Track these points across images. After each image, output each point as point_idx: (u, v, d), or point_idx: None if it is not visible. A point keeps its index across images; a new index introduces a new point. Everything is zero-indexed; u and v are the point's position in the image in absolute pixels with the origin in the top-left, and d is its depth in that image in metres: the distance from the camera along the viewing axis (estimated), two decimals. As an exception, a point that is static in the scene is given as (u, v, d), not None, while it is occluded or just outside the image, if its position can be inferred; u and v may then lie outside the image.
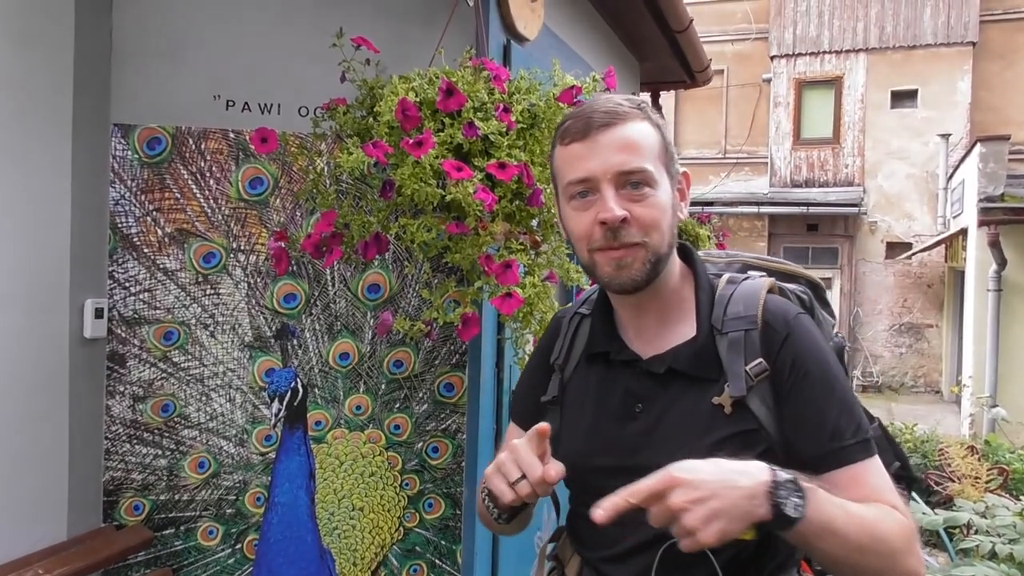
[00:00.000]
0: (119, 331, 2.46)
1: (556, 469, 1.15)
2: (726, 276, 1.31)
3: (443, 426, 2.54)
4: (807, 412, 1.19)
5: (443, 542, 2.55)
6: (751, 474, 1.03)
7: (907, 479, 1.41)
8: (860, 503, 1.12)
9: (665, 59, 4.95)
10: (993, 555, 2.66)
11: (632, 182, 1.19)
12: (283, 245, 2.18)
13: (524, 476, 1.14)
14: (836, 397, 1.20)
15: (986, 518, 2.91)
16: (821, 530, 1.04)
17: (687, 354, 1.24)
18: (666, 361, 1.25)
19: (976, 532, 2.94)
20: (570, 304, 1.58)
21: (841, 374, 1.24)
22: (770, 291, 1.28)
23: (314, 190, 2.24)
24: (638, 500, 1.02)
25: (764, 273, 1.37)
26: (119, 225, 2.45)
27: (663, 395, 1.25)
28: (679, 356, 1.25)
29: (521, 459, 1.15)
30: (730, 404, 1.19)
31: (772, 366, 1.20)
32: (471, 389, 2.51)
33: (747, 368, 1.20)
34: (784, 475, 1.04)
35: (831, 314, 1.45)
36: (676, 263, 1.30)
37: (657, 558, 1.18)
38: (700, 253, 1.43)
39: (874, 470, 1.19)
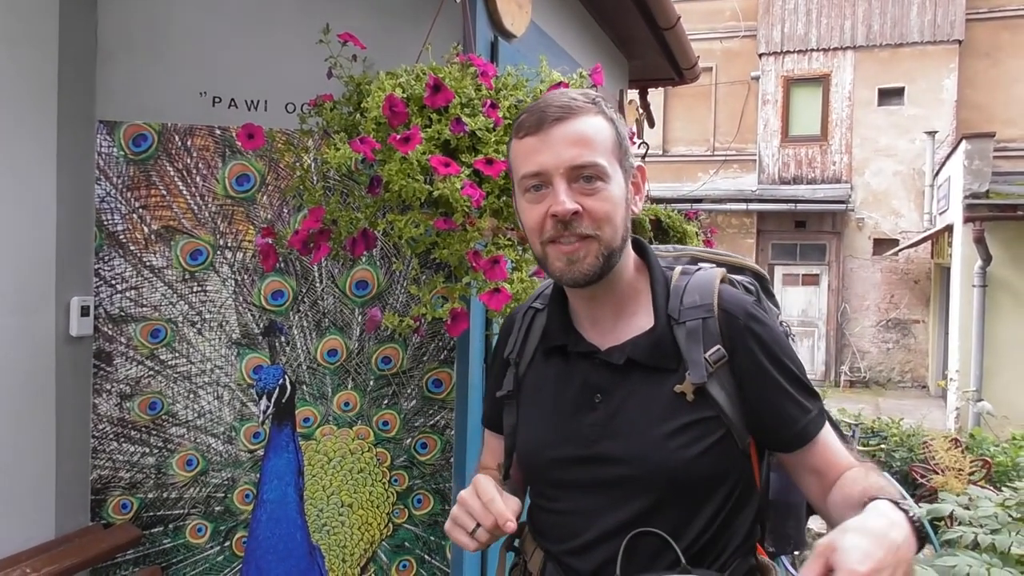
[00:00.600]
0: (105, 329, 2.45)
1: (513, 508, 1.17)
2: (679, 268, 1.34)
3: (431, 422, 2.55)
4: (773, 398, 1.24)
5: (432, 538, 2.55)
6: (899, 524, 0.99)
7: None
8: (867, 473, 1.19)
9: (653, 56, 4.96)
10: (976, 545, 2.69)
11: (584, 176, 1.20)
12: (270, 241, 2.18)
13: (479, 524, 1.17)
14: (795, 377, 1.26)
15: (969, 509, 2.94)
16: None
17: (645, 344, 1.26)
18: (625, 352, 1.27)
19: (959, 523, 2.97)
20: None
21: (794, 353, 1.29)
22: (723, 281, 1.32)
23: (301, 186, 2.23)
24: None
25: (713, 265, 1.40)
26: (105, 222, 2.44)
27: (622, 385, 1.27)
28: (638, 346, 1.26)
29: (473, 509, 1.18)
30: (692, 391, 1.22)
31: (730, 353, 1.24)
32: (459, 385, 2.51)
33: (706, 355, 1.23)
34: (912, 509, 1.03)
35: (775, 304, 1.51)
36: (630, 256, 1.32)
37: (621, 549, 1.21)
38: (649, 247, 1.45)
39: (830, 433, 1.28)
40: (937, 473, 4.91)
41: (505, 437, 1.42)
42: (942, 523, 3.75)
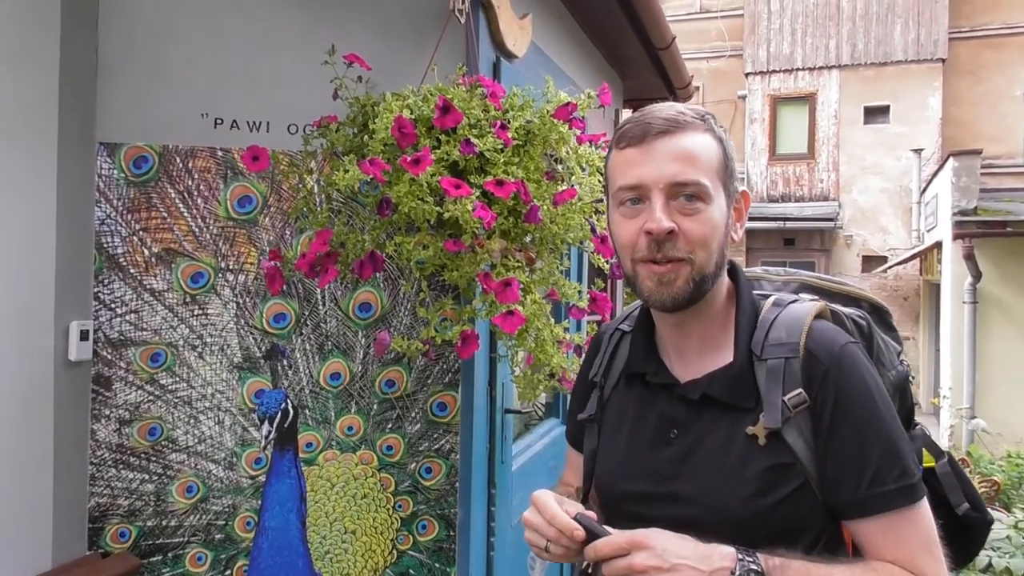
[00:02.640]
0: (105, 353, 2.41)
1: (574, 516, 1.12)
2: (772, 298, 1.26)
3: (436, 446, 2.51)
4: (846, 453, 1.12)
5: (437, 565, 2.51)
6: (712, 560, 1.04)
7: (978, 522, 1.34)
8: (853, 567, 1.09)
9: (647, 76, 4.98)
10: (988, 568, 2.66)
11: (685, 194, 1.14)
12: (277, 264, 2.15)
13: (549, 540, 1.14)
14: (879, 437, 1.12)
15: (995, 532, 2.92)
16: None
17: (723, 380, 1.19)
18: (701, 387, 1.20)
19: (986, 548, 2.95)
20: (613, 319, 1.54)
21: (888, 411, 1.15)
22: (819, 316, 1.22)
23: (305, 208, 2.21)
24: (605, 553, 1.05)
25: (819, 296, 1.31)
26: (105, 245, 2.40)
27: (697, 422, 1.20)
28: (715, 382, 1.20)
29: (538, 527, 1.14)
30: (764, 435, 1.14)
31: (812, 398, 1.14)
32: (464, 408, 2.48)
33: (785, 398, 1.14)
34: (750, 565, 1.04)
35: (896, 339, 1.37)
36: (724, 284, 1.24)
37: None
38: (758, 270, 1.40)
39: (914, 518, 1.11)
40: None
41: (585, 460, 1.37)
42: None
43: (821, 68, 14.05)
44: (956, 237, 9.18)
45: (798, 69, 14.18)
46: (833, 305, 1.28)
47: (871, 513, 1.11)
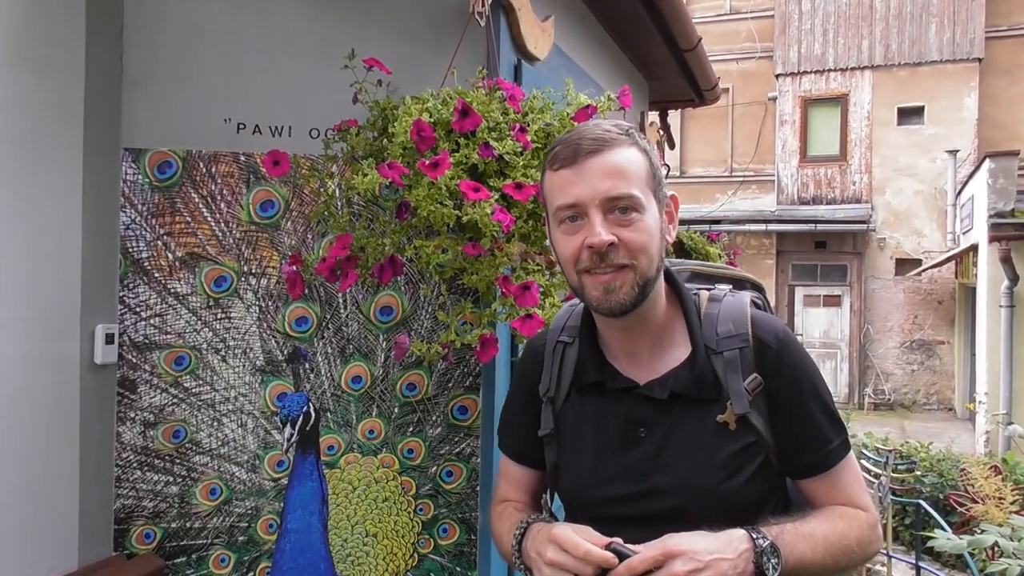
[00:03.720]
0: (130, 357, 2.43)
1: (596, 540, 1.16)
2: (705, 294, 1.35)
3: (457, 450, 2.50)
4: (805, 424, 1.27)
5: (458, 568, 2.50)
6: (735, 545, 1.12)
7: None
8: (823, 515, 1.24)
9: (673, 78, 4.94)
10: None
11: (620, 207, 1.21)
12: (297, 269, 2.16)
13: None
14: (823, 404, 1.28)
15: (1013, 541, 2.85)
16: (794, 570, 1.16)
17: (687, 377, 1.27)
18: (667, 385, 1.28)
19: (1003, 555, 2.88)
20: (540, 332, 1.59)
21: (822, 379, 1.31)
22: (751, 305, 1.34)
23: (326, 212, 2.22)
24: (641, 569, 1.10)
25: (710, 282, 1.43)
26: (130, 250, 2.43)
27: (665, 418, 1.27)
28: (679, 379, 1.27)
29: (568, 566, 1.15)
30: (735, 421, 1.25)
31: (766, 380, 1.26)
32: (485, 412, 2.47)
33: (745, 385, 1.25)
34: (760, 539, 1.14)
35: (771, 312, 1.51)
36: (663, 286, 1.31)
37: None
38: None
39: (850, 465, 1.30)
40: (976, 502, 4.78)
41: (548, 474, 1.42)
42: (980, 552, 3.66)
43: (853, 69, 13.90)
44: (992, 239, 9.02)
45: (830, 70, 14.04)
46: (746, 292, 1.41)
47: (826, 469, 1.27)
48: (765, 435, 1.25)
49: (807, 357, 1.31)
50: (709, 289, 1.38)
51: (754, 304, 1.38)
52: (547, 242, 2.08)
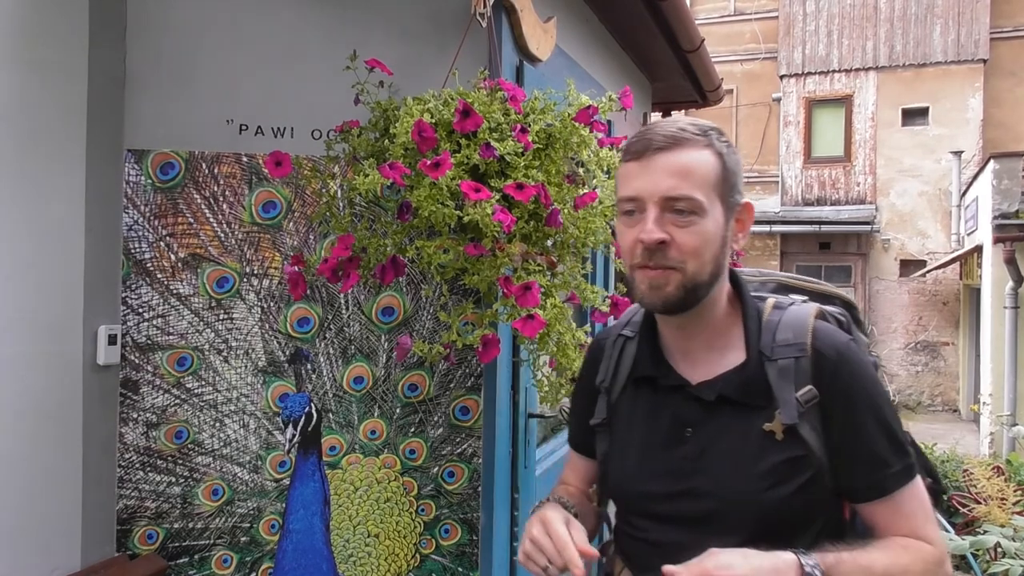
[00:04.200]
0: (132, 357, 2.44)
1: (580, 540, 1.21)
2: (771, 301, 1.33)
3: (459, 450, 2.51)
4: (859, 443, 1.22)
5: (460, 569, 2.50)
6: (781, 571, 1.10)
7: (936, 492, 1.42)
8: (886, 547, 1.19)
9: (676, 79, 4.94)
10: (1024, 578, 2.60)
11: (677, 208, 1.21)
12: (299, 269, 2.16)
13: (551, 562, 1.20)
14: (884, 425, 1.23)
15: (1015, 541, 2.84)
16: None
17: (737, 381, 1.26)
18: (716, 388, 1.27)
19: (1005, 555, 2.88)
20: (606, 326, 1.60)
21: (887, 399, 1.26)
22: (817, 316, 1.30)
23: (328, 213, 2.22)
24: None
25: (804, 295, 1.40)
26: (132, 251, 2.44)
27: (712, 421, 1.27)
28: (729, 383, 1.26)
29: (545, 548, 1.21)
30: (781, 431, 1.22)
31: (822, 393, 1.22)
32: (487, 412, 2.47)
33: (797, 395, 1.22)
34: (811, 569, 1.10)
35: (864, 333, 1.46)
36: (724, 290, 1.31)
37: None
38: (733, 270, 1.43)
39: (915, 494, 1.23)
40: (979, 502, 4.77)
41: (599, 464, 1.43)
42: (983, 553, 3.65)
43: (858, 70, 13.85)
44: (997, 241, 8.98)
45: (834, 71, 14.00)
46: (822, 306, 1.36)
47: (885, 494, 1.22)
48: (816, 450, 1.21)
49: (870, 375, 1.26)
50: (779, 297, 1.37)
51: (837, 320, 1.36)
52: (549, 243, 2.09)
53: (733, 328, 1.30)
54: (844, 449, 1.22)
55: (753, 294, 1.36)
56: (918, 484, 1.25)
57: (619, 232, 1.29)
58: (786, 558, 1.11)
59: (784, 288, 1.44)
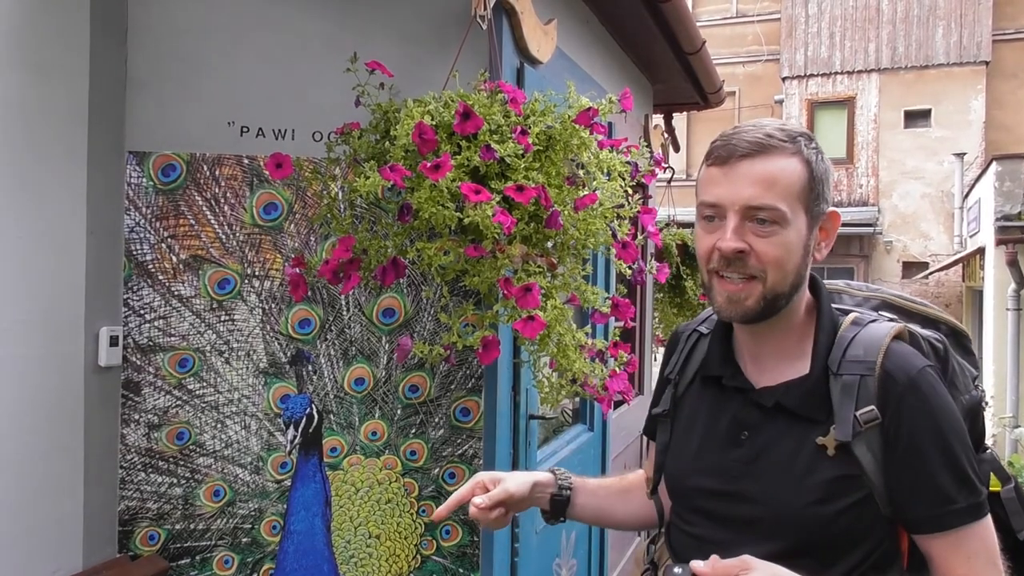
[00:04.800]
0: (134, 359, 2.44)
1: (495, 496, 1.39)
2: (852, 316, 1.29)
3: (460, 451, 2.51)
4: (916, 474, 1.18)
5: (461, 570, 2.50)
6: None
7: None
8: None
9: (678, 81, 4.94)
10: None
11: (759, 218, 1.19)
12: (300, 271, 2.16)
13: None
14: (949, 460, 1.18)
15: None
16: None
17: (797, 392, 1.24)
18: (775, 395, 1.26)
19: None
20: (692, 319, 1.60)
21: (959, 434, 1.20)
22: (898, 337, 1.25)
23: (329, 215, 2.23)
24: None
25: (898, 315, 1.34)
26: (134, 252, 2.45)
27: (768, 427, 1.26)
28: (789, 392, 1.25)
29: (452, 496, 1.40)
30: (834, 447, 1.19)
31: (884, 416, 1.18)
32: (487, 414, 2.47)
33: (857, 413, 1.18)
34: None
35: (973, 364, 1.38)
36: (803, 299, 1.29)
37: None
38: (840, 283, 1.43)
39: (981, 533, 1.18)
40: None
41: (656, 454, 1.43)
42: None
43: (860, 72, 13.87)
44: (999, 243, 8.98)
45: (836, 73, 14.01)
46: (911, 326, 1.31)
47: (943, 529, 1.17)
48: (871, 472, 1.18)
49: (943, 405, 1.20)
50: (863, 312, 1.33)
51: (931, 346, 1.30)
52: (549, 244, 2.10)
53: (806, 338, 1.28)
54: (903, 477, 1.18)
55: (843, 307, 1.34)
56: (985, 525, 1.19)
57: (697, 236, 1.28)
58: None
59: (887, 307, 1.38)
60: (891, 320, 1.30)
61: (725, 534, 1.27)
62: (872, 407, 1.18)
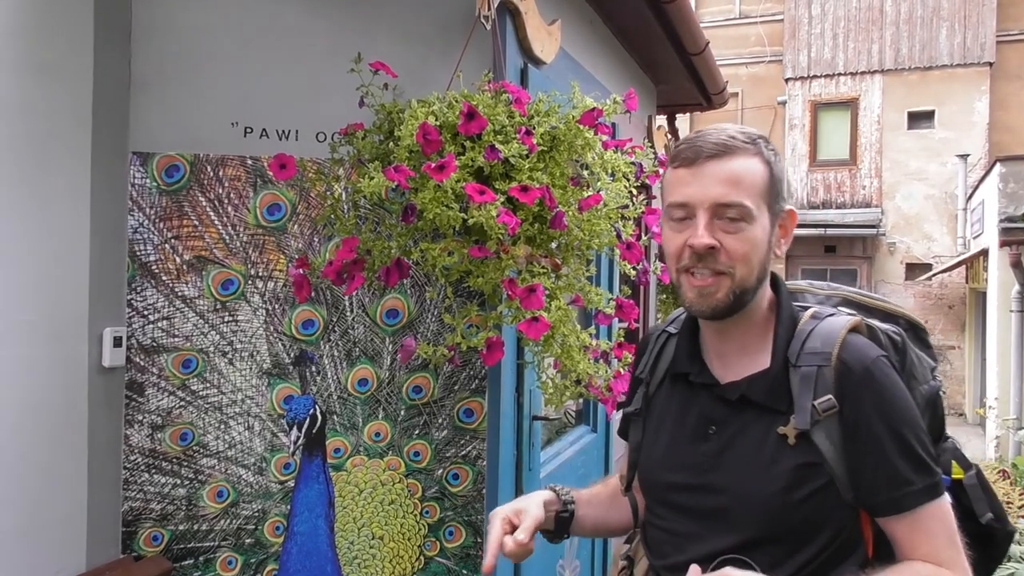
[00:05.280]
0: (138, 360, 2.44)
1: (527, 527, 1.34)
2: (811, 311, 1.35)
3: (463, 452, 2.51)
4: (875, 459, 1.23)
5: (464, 571, 2.50)
6: None
7: (1000, 532, 1.42)
8: (899, 573, 1.20)
9: (681, 82, 4.94)
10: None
11: (728, 215, 1.24)
12: (304, 272, 2.16)
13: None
14: (904, 444, 1.23)
15: (1021, 545, 2.83)
16: None
17: (760, 384, 1.29)
18: (740, 389, 1.31)
19: (1010, 559, 2.87)
20: (662, 320, 1.66)
21: (913, 419, 1.25)
22: (855, 329, 1.30)
23: (332, 216, 2.22)
24: None
25: (858, 311, 1.39)
26: (138, 253, 2.45)
27: (734, 421, 1.31)
28: (753, 385, 1.30)
29: (489, 542, 1.34)
30: (794, 436, 1.24)
31: (843, 405, 1.24)
32: (491, 415, 2.47)
33: (815, 403, 1.23)
34: None
35: (931, 356, 1.44)
36: (766, 295, 1.34)
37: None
38: (803, 283, 1.49)
39: (939, 513, 1.24)
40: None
41: (629, 452, 1.48)
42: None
43: (863, 73, 13.84)
44: (1003, 244, 8.96)
45: (840, 74, 13.99)
46: (871, 321, 1.36)
47: (903, 510, 1.22)
48: (831, 460, 1.23)
49: (897, 393, 1.26)
50: (822, 307, 1.38)
51: (889, 339, 1.35)
52: (553, 245, 2.09)
53: (768, 333, 1.33)
54: (863, 463, 1.23)
55: (804, 304, 1.39)
56: (941, 505, 1.24)
57: (665, 237, 1.32)
58: None
59: (848, 304, 1.43)
60: (850, 315, 1.35)
61: (695, 527, 1.32)
62: (830, 396, 1.23)
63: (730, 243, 1.24)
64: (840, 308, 1.39)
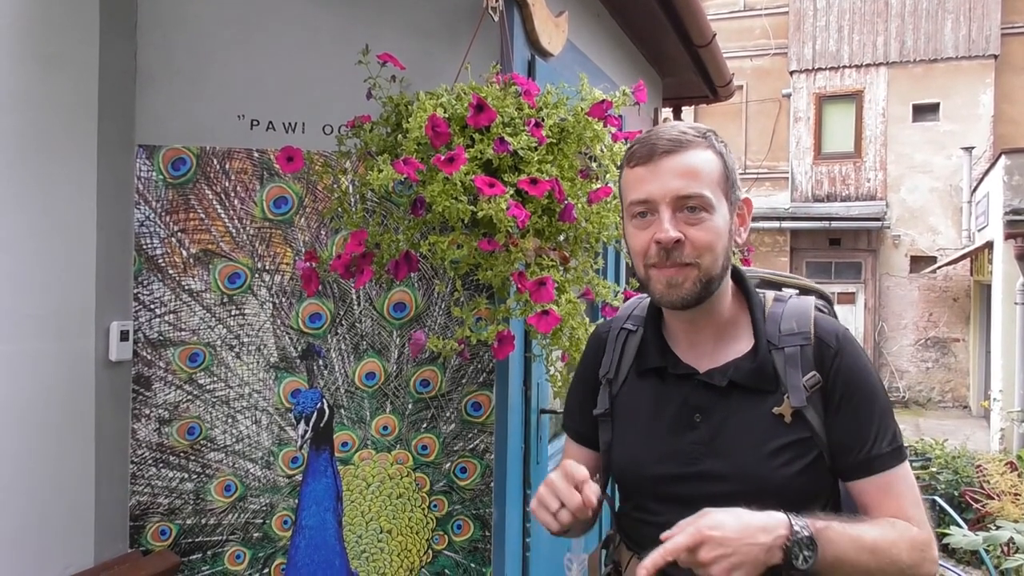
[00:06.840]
0: (144, 353, 2.44)
1: (594, 492, 1.24)
2: (771, 295, 1.42)
3: (471, 446, 2.50)
4: (854, 424, 1.30)
5: (472, 564, 2.50)
6: (770, 530, 1.14)
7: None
8: (876, 523, 1.24)
9: (687, 74, 4.92)
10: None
11: (689, 206, 1.27)
12: (312, 265, 2.15)
13: (563, 505, 1.24)
14: (877, 408, 1.31)
15: (1033, 538, 2.82)
16: (832, 567, 1.17)
17: (747, 367, 1.33)
18: (727, 374, 1.33)
19: (1018, 551, 2.86)
20: (605, 320, 1.66)
21: (881, 385, 1.35)
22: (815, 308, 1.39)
23: (339, 209, 2.21)
24: (674, 556, 1.12)
25: (795, 290, 1.48)
26: (144, 246, 2.44)
27: (722, 406, 1.33)
28: (740, 369, 1.33)
29: (559, 491, 1.24)
30: (790, 414, 1.29)
31: (824, 378, 1.31)
32: (499, 408, 2.46)
33: (804, 380, 1.30)
34: (799, 529, 1.15)
35: None
36: (729, 284, 1.37)
37: None
38: None
39: (903, 477, 1.31)
40: (992, 498, 4.74)
41: (601, 454, 1.48)
42: (995, 549, 3.62)
43: (868, 65, 13.78)
44: (1008, 237, 8.94)
45: (844, 67, 13.93)
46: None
47: (874, 472, 1.29)
48: (819, 432, 1.29)
49: (866, 362, 1.35)
50: (776, 291, 1.45)
51: (818, 310, 1.43)
52: (562, 238, 2.08)
53: (739, 319, 1.38)
54: (841, 430, 1.30)
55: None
56: (907, 469, 1.32)
57: (629, 235, 1.34)
58: (776, 516, 1.16)
59: (766, 283, 1.51)
60: (796, 294, 1.43)
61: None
62: (814, 372, 1.30)
63: (694, 234, 1.26)
64: (757, 288, 1.45)
